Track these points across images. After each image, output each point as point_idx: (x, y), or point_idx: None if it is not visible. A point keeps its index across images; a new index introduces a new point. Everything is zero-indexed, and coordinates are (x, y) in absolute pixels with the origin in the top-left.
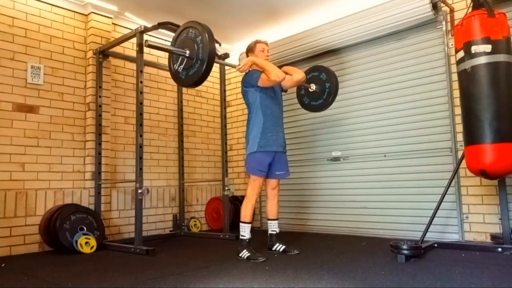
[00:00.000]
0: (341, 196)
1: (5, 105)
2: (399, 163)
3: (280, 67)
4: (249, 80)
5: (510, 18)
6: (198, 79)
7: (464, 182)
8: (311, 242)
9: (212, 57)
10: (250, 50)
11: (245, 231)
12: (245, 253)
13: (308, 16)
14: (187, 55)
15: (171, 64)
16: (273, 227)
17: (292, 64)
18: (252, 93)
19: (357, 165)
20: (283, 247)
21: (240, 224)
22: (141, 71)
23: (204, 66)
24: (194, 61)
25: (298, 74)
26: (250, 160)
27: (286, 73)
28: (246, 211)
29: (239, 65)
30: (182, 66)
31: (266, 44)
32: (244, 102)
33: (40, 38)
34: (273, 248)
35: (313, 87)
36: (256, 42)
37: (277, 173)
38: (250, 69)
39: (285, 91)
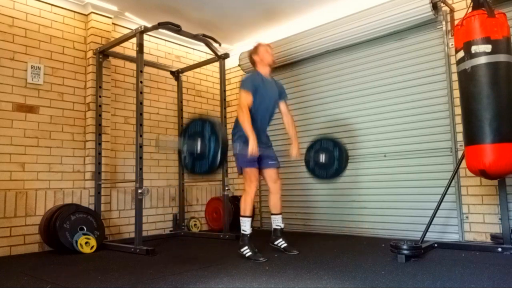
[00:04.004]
0: (341, 196)
1: (5, 105)
2: (399, 163)
3: (279, 67)
4: (242, 83)
5: (510, 18)
6: (213, 169)
7: (464, 182)
8: (311, 242)
9: (224, 147)
10: (254, 52)
11: (246, 226)
12: (246, 250)
13: (308, 16)
14: (198, 148)
15: (182, 159)
16: (277, 222)
17: (292, 64)
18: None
19: (357, 165)
20: (285, 244)
21: (241, 218)
22: (141, 71)
23: (219, 156)
24: (206, 153)
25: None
26: (239, 156)
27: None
28: (245, 205)
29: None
30: (195, 158)
31: (269, 45)
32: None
33: (40, 38)
34: (275, 242)
35: (322, 158)
36: (259, 44)
37: (269, 162)
38: (248, 75)
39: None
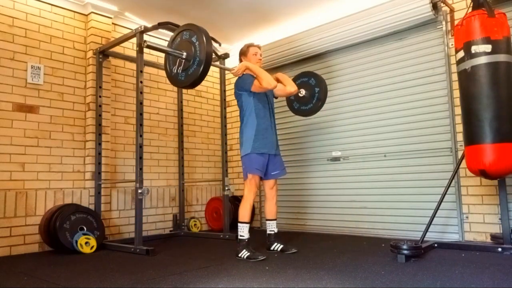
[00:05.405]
0: (341, 196)
1: (5, 105)
2: (399, 163)
3: (279, 67)
4: (243, 84)
5: (510, 18)
6: (195, 80)
7: (464, 182)
8: (311, 242)
9: (209, 58)
10: (242, 53)
11: (243, 231)
12: (244, 253)
13: (307, 17)
14: (184, 56)
15: (167, 65)
16: (271, 227)
17: (292, 64)
18: (245, 97)
19: (357, 165)
20: (281, 246)
21: (239, 224)
22: (141, 71)
23: (202, 68)
24: (191, 63)
25: (291, 87)
26: (246, 161)
27: (279, 81)
28: (244, 211)
29: (233, 68)
30: (180, 68)
31: (259, 47)
32: (237, 104)
33: (40, 38)
34: (271, 248)
35: (302, 92)
36: (249, 46)
37: (272, 173)
38: (244, 73)
39: (276, 97)
